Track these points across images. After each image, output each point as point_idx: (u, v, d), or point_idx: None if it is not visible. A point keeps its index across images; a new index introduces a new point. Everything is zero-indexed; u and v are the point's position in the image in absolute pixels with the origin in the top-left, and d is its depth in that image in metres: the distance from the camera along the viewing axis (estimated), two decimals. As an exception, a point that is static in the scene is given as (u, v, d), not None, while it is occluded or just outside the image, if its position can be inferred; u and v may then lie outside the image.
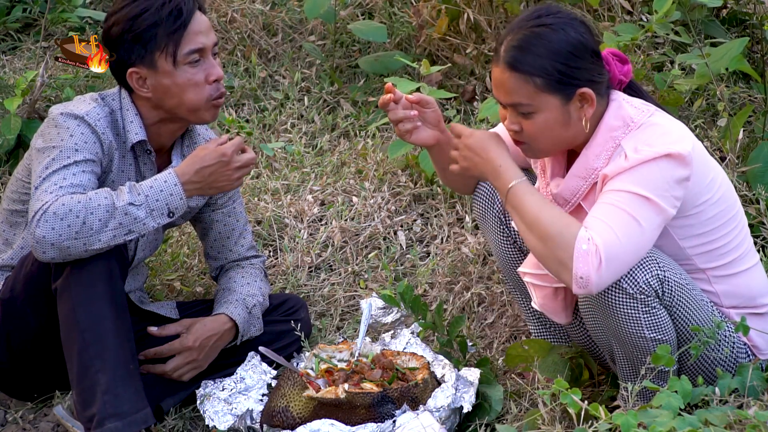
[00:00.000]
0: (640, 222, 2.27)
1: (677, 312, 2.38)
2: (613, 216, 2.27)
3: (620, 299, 2.32)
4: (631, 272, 2.30)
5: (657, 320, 2.35)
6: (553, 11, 2.40)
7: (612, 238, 2.24)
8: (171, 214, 2.53)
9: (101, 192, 2.48)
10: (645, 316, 2.34)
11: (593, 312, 2.42)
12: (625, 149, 2.35)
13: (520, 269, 2.62)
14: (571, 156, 2.54)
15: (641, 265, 2.31)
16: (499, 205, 2.73)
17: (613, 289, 2.31)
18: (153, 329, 2.79)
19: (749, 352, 2.49)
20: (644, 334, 2.35)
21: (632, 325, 2.34)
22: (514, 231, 2.71)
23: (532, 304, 2.64)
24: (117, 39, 2.63)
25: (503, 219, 2.74)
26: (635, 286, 2.31)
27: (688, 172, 2.32)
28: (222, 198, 2.95)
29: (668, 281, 2.33)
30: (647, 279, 2.31)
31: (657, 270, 2.32)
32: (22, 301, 2.62)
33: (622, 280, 2.30)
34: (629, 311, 2.33)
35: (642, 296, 2.31)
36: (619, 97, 2.43)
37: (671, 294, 2.35)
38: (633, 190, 2.28)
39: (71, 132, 2.58)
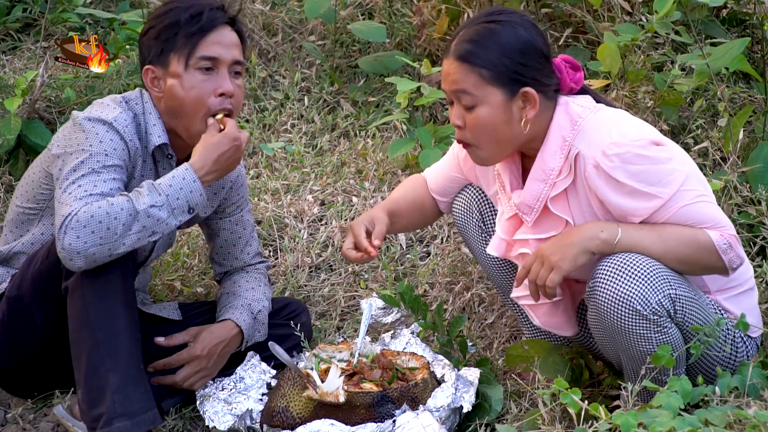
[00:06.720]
0: (705, 191, 2.40)
1: (689, 325, 2.39)
2: (699, 207, 2.36)
3: (633, 320, 2.32)
4: (643, 294, 2.30)
5: (669, 338, 2.35)
6: (507, 11, 2.46)
7: (720, 215, 2.38)
8: (191, 210, 2.54)
9: (122, 197, 2.47)
10: (657, 335, 2.34)
11: (603, 331, 2.41)
12: (596, 158, 2.35)
13: (513, 295, 2.63)
14: (525, 170, 2.56)
15: (653, 286, 2.31)
16: (478, 214, 2.74)
17: (626, 310, 2.31)
18: (160, 340, 2.77)
19: (743, 338, 2.50)
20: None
21: (644, 344, 2.35)
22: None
23: (535, 323, 2.64)
24: (143, 36, 2.68)
25: (483, 227, 2.75)
26: (648, 307, 2.31)
27: (669, 148, 2.38)
28: (230, 207, 2.94)
29: (680, 299, 2.34)
30: (659, 300, 2.31)
31: (668, 289, 2.32)
32: (29, 299, 2.62)
33: (635, 302, 2.30)
34: (642, 332, 2.33)
35: (655, 317, 2.32)
36: (565, 99, 2.47)
37: (683, 310, 2.36)
38: (680, 187, 2.34)
39: (101, 138, 2.56)
